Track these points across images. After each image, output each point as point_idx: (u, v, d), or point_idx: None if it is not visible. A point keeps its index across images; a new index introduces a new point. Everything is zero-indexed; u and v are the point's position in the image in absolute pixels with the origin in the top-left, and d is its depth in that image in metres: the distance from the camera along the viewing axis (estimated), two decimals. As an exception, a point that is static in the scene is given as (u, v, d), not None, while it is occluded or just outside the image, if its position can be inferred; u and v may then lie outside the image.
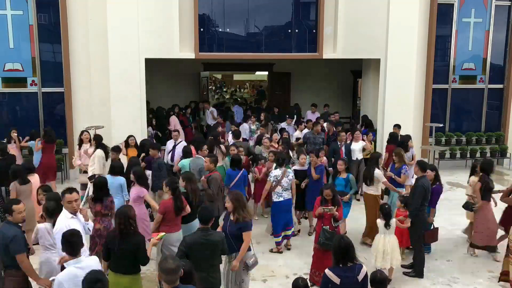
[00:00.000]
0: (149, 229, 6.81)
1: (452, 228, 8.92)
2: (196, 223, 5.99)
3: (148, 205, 7.29)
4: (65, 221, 5.16)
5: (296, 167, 8.62)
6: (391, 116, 12.14)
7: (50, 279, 4.90)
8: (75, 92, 11.70)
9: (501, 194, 7.65)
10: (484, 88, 13.85)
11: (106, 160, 9.05)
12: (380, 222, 6.72)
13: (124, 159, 9.14)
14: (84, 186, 9.21)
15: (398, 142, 9.83)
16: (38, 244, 5.66)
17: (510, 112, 13.91)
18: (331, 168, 9.04)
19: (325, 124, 11.80)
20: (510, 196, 7.51)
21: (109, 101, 11.24)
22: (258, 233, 8.51)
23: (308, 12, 12.48)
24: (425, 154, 13.50)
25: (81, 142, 9.75)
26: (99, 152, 8.95)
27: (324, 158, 9.28)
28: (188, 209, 6.27)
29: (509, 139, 13.99)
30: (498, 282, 6.83)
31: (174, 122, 13.17)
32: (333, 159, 9.43)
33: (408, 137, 10.02)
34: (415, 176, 7.35)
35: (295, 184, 8.01)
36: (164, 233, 5.60)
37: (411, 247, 7.37)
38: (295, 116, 13.80)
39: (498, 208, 7.80)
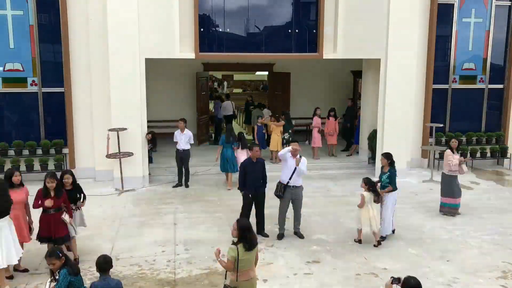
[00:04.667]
0: None
1: (452, 228, 8.93)
2: None
3: None
4: None
5: None
6: (391, 116, 12.14)
7: None
8: (75, 92, 11.70)
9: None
10: (484, 88, 13.84)
11: None
12: (366, 194, 7.93)
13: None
14: None
15: None
16: None
17: (510, 112, 13.90)
18: None
19: None
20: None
21: (109, 101, 11.25)
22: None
23: (308, 12, 12.47)
24: (425, 154, 13.50)
25: None
26: None
27: None
28: None
29: (509, 139, 13.99)
30: None
31: None
32: None
33: None
34: None
35: None
36: None
37: None
38: None
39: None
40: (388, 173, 8.34)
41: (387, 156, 8.46)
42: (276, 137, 13.41)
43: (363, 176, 12.49)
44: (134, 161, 11.32)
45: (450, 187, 9.54)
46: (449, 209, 9.61)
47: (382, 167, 8.59)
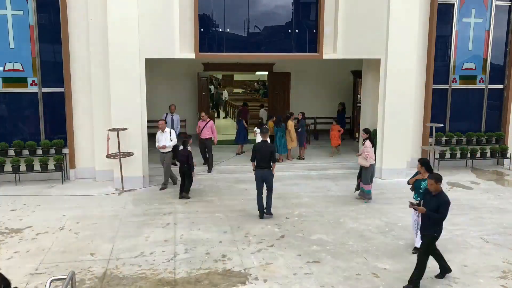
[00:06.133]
0: None
1: (452, 228, 8.93)
2: None
3: None
4: None
5: None
6: (391, 116, 12.14)
7: None
8: (75, 92, 11.70)
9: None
10: (484, 88, 13.84)
11: None
12: None
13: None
14: None
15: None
16: None
17: (510, 112, 13.90)
18: None
19: None
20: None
21: (109, 101, 11.25)
22: (260, 233, 8.54)
23: (308, 12, 12.48)
24: (425, 154, 13.49)
25: None
26: None
27: None
28: None
29: (509, 139, 13.99)
30: None
31: None
32: None
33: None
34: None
35: None
36: None
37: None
38: None
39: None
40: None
41: (426, 165, 7.82)
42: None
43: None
44: (134, 161, 11.32)
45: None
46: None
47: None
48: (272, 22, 12.48)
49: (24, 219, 9.16)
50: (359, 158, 10.39)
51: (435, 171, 12.77)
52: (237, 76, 30.12)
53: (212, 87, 24.76)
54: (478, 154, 13.61)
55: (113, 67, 11.07)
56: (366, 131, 10.61)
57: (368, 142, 10.31)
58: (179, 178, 10.88)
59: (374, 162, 10.49)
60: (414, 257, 7.61)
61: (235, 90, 29.27)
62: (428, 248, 6.55)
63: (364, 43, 12.12)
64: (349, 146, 15.99)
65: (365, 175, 10.36)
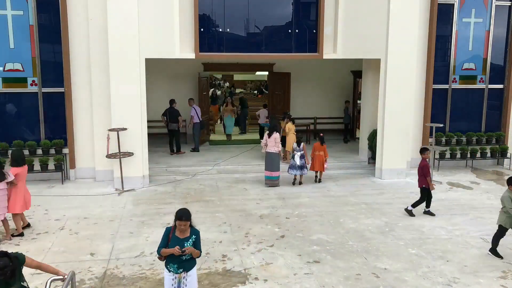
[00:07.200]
0: None
1: (452, 228, 8.93)
2: None
3: None
4: None
5: None
6: (391, 116, 12.14)
7: None
8: (75, 92, 11.70)
9: None
10: (484, 88, 13.85)
11: None
12: None
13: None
14: None
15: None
16: None
17: (510, 112, 13.90)
18: None
19: None
20: None
21: (109, 101, 11.25)
22: (260, 233, 8.54)
23: (308, 12, 12.48)
24: (425, 154, 13.50)
25: None
26: None
27: None
28: None
29: (509, 139, 13.99)
30: None
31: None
32: None
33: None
34: None
35: None
36: None
37: None
38: None
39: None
40: (195, 236, 5.48)
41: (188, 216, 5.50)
42: (292, 137, 13.14)
43: (363, 176, 12.60)
44: (134, 161, 11.32)
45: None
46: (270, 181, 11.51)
47: None
48: (272, 22, 12.48)
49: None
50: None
51: (435, 171, 12.86)
52: (237, 76, 30.13)
53: (218, 91, 24.96)
54: (478, 154, 13.61)
55: (113, 67, 11.07)
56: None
57: (275, 133, 11.48)
58: None
59: (274, 151, 11.39)
60: (414, 257, 7.64)
61: (237, 90, 29.31)
62: None
63: (364, 43, 12.12)
64: (350, 146, 16.00)
65: (266, 162, 11.58)
